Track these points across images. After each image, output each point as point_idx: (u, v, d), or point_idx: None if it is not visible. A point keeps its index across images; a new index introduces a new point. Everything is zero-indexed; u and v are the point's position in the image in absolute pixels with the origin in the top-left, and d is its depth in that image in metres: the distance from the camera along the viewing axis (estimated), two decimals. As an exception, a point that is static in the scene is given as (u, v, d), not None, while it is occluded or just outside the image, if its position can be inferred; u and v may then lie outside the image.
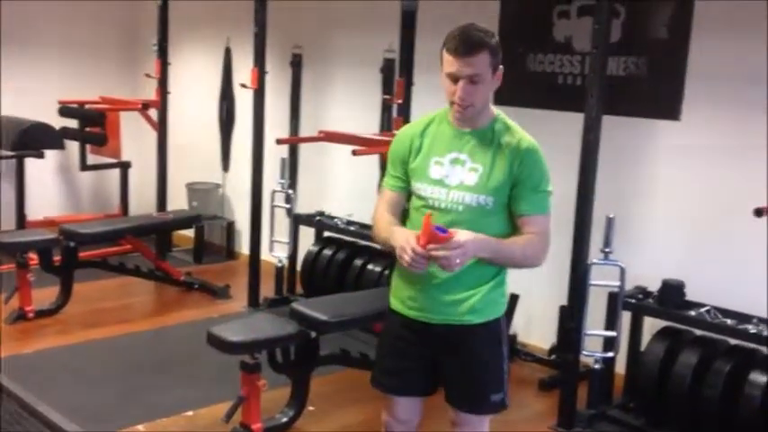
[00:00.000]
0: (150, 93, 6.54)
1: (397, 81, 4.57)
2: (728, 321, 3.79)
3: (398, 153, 2.59)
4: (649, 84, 4.31)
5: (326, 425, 3.92)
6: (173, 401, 4.07)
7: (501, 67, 2.42)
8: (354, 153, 4.21)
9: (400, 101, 4.45)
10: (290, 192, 5.43)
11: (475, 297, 2.48)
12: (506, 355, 2.60)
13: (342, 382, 4.30)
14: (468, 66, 2.34)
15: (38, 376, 4.25)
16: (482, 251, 2.35)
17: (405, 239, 2.33)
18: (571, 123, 4.13)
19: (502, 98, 4.80)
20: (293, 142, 5.58)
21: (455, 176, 2.46)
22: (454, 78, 2.37)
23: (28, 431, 3.65)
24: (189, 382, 4.30)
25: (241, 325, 3.75)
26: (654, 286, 4.10)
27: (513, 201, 2.44)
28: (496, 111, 2.52)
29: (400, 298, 2.61)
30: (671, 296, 4.01)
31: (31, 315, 5.07)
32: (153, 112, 6.52)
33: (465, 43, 2.34)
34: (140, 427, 3.82)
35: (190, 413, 3.98)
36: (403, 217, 2.61)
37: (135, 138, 6.98)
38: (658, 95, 4.29)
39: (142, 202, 7.23)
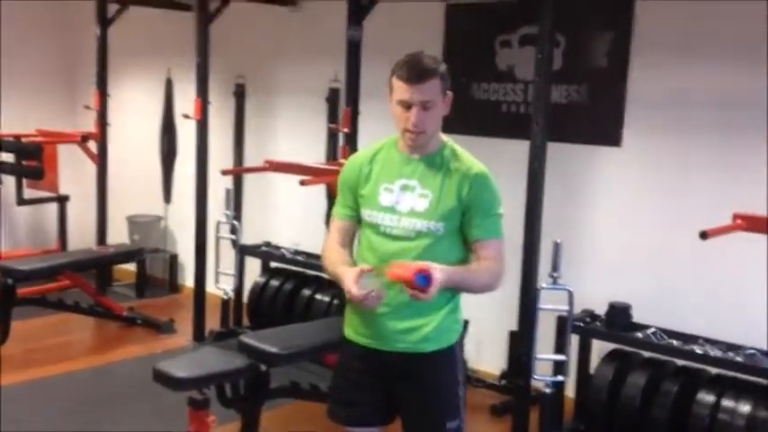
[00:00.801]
0: (90, 125, 6.42)
1: (342, 110, 4.56)
2: (674, 342, 3.84)
3: (348, 181, 2.58)
4: (591, 111, 4.40)
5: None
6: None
7: (449, 93, 2.45)
8: (302, 183, 4.18)
9: (347, 129, 4.44)
10: (236, 223, 5.37)
11: (429, 325, 2.47)
12: (462, 381, 2.59)
13: (293, 415, 4.24)
14: (421, 93, 2.35)
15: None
16: (449, 284, 2.35)
17: (350, 284, 2.32)
18: (516, 150, 4.20)
19: (447, 126, 4.89)
20: (239, 172, 5.53)
21: (405, 203, 2.46)
22: (406, 105, 2.38)
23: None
24: (134, 422, 4.19)
25: (188, 360, 3.67)
26: (601, 309, 4.14)
27: (465, 226, 2.45)
28: (445, 137, 2.53)
29: (354, 327, 2.59)
30: (618, 319, 4.05)
31: (-34, 353, 4.89)
32: (93, 145, 6.39)
33: (416, 71, 2.36)
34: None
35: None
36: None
37: (74, 171, 6.83)
38: (599, 122, 4.38)
39: (82, 237, 7.05)
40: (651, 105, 4.20)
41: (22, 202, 6.69)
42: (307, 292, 5.17)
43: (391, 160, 2.52)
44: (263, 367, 3.66)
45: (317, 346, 3.86)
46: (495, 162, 4.72)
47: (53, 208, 6.96)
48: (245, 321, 5.58)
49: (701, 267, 4.03)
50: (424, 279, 2.23)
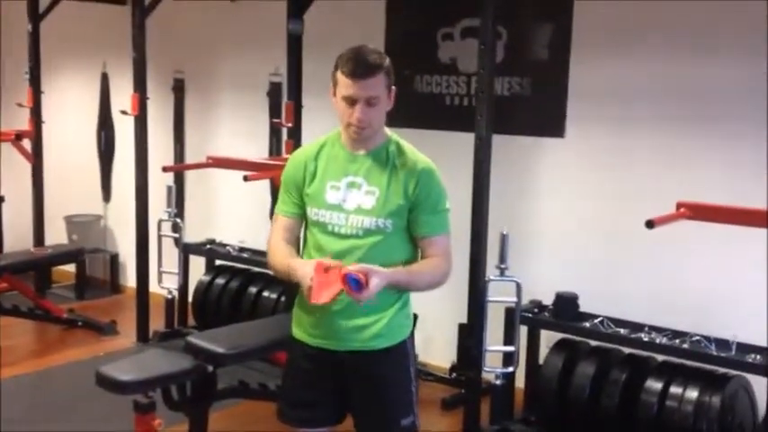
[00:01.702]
0: (24, 123, 6.22)
1: (285, 104, 4.49)
2: (622, 331, 3.87)
3: (292, 178, 2.53)
4: (533, 103, 4.41)
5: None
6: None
7: (394, 87, 2.41)
8: (246, 178, 4.11)
9: (290, 124, 4.38)
10: (178, 220, 5.26)
11: (380, 322, 2.44)
12: (414, 377, 2.56)
13: (242, 415, 4.17)
14: (366, 88, 2.32)
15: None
16: (390, 286, 2.33)
17: (305, 277, 2.28)
18: (460, 143, 4.18)
19: (391, 120, 4.85)
20: (181, 169, 5.43)
21: (352, 200, 2.42)
22: (351, 101, 2.34)
23: None
24: (77, 427, 4.07)
25: (132, 362, 3.58)
26: (549, 300, 4.16)
27: (412, 223, 2.43)
28: (389, 132, 2.50)
29: (302, 326, 2.55)
30: (565, 309, 4.07)
31: None
32: (27, 143, 6.19)
33: (361, 66, 2.31)
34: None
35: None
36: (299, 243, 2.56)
37: (9, 170, 6.61)
38: (543, 114, 4.39)
39: (20, 238, 6.83)
40: (593, 96, 4.23)
41: (-46, 203, 6.50)
42: (253, 289, 5.09)
43: (336, 157, 2.47)
44: (210, 368, 3.60)
45: (266, 344, 3.80)
46: (441, 155, 4.70)
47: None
48: (191, 321, 5.48)
49: (646, 256, 4.07)
50: (356, 283, 2.20)
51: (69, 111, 6.71)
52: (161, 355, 3.71)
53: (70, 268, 6.47)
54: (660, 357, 3.85)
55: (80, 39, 6.54)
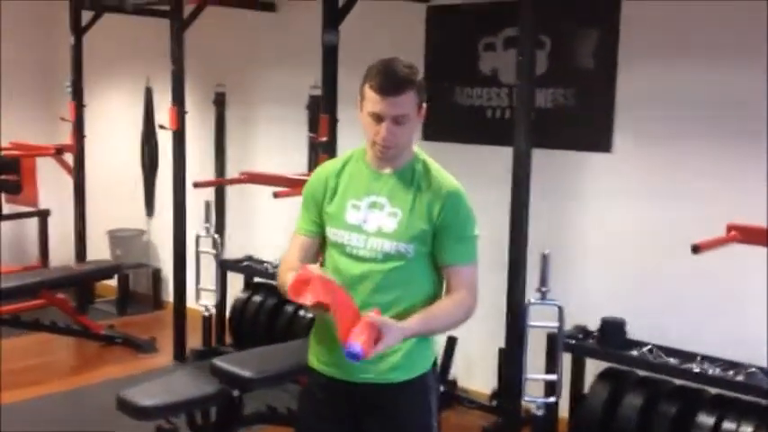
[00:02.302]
0: (66, 137, 6.23)
1: (321, 118, 4.35)
2: (671, 361, 3.63)
3: (312, 194, 2.37)
4: (579, 115, 4.19)
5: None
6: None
7: (425, 104, 2.24)
8: (276, 195, 3.98)
9: (325, 138, 4.23)
10: (216, 236, 5.16)
11: (398, 353, 2.25)
12: (435, 410, 2.37)
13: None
14: (394, 106, 2.14)
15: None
16: (407, 337, 2.16)
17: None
18: (502, 158, 3.97)
19: (429, 133, 4.70)
20: (212, 185, 5.31)
21: (373, 222, 2.25)
22: (377, 118, 2.17)
23: None
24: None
25: (155, 386, 3.47)
26: (594, 325, 3.93)
27: (436, 249, 2.25)
28: (417, 149, 2.33)
29: (317, 354, 2.39)
30: (611, 335, 3.85)
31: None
32: (70, 157, 6.19)
33: (390, 81, 2.14)
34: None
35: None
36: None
37: (55, 185, 6.62)
38: (588, 127, 4.17)
39: (65, 252, 6.85)
40: (643, 108, 4.00)
41: (0, 217, 6.52)
42: (290, 308, 4.96)
43: (360, 174, 2.31)
44: (236, 392, 3.47)
45: (295, 368, 3.63)
46: (480, 170, 4.59)
47: (35, 223, 6.77)
48: (229, 339, 5.38)
49: (699, 280, 3.81)
50: (353, 357, 1.98)
51: (112, 125, 6.70)
52: (186, 377, 3.60)
53: (114, 283, 6.44)
54: (713, 390, 3.59)
55: (123, 52, 6.53)
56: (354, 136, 4.96)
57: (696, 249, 2.81)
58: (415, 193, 2.23)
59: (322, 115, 4.32)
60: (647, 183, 4.03)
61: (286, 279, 2.16)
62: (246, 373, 3.46)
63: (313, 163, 5.12)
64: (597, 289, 4.20)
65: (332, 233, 2.30)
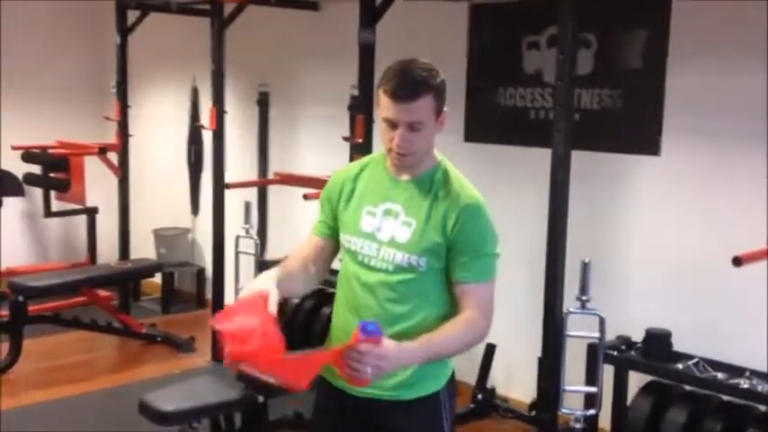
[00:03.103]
0: (111, 136, 6.25)
1: (357, 118, 4.25)
2: (719, 375, 3.44)
3: (328, 197, 2.27)
4: (625, 116, 4.01)
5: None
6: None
7: (446, 109, 2.10)
8: (306, 197, 3.90)
9: (360, 140, 4.14)
10: (255, 237, 5.11)
11: (408, 369, 2.12)
12: (448, 430, 2.24)
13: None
14: (408, 112, 2.01)
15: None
16: (408, 363, 2.02)
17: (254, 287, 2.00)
18: (545, 160, 3.81)
19: (471, 134, 4.58)
20: (245, 186, 5.24)
21: (386, 230, 2.13)
22: (392, 124, 2.05)
23: None
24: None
25: (179, 390, 3.41)
26: (638, 335, 3.76)
27: (449, 264, 2.11)
28: (440, 156, 2.20)
29: (329, 364, 2.28)
30: (656, 347, 3.67)
31: (-23, 375, 4.75)
32: (115, 157, 6.22)
33: (405, 86, 2.00)
34: None
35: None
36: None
37: (103, 183, 6.66)
38: (635, 129, 3.99)
39: (113, 250, 6.90)
40: (693, 110, 3.80)
41: (49, 214, 6.60)
42: (326, 310, 4.87)
43: (377, 180, 2.20)
44: (261, 398, 3.40)
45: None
46: (523, 173, 4.44)
47: (83, 221, 6.83)
48: (267, 341, 5.31)
49: (751, 292, 3.59)
50: (372, 331, 1.86)
51: (159, 125, 6.71)
52: (211, 382, 3.52)
53: (160, 281, 6.46)
54: (762, 407, 3.39)
55: (169, 52, 6.53)
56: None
57: (738, 262, 2.63)
58: (432, 203, 2.11)
59: (358, 116, 4.22)
60: (695, 189, 3.84)
61: (288, 262, 2.13)
62: (272, 379, 3.38)
63: (353, 164, 5.04)
64: (641, 299, 4.02)
65: (345, 240, 2.20)
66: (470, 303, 2.08)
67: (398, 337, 2.04)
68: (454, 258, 2.09)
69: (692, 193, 3.86)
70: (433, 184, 2.13)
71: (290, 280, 2.14)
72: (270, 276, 2.06)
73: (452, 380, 2.26)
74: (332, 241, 2.25)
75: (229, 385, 3.44)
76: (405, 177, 2.15)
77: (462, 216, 2.07)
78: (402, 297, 2.11)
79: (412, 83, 2.01)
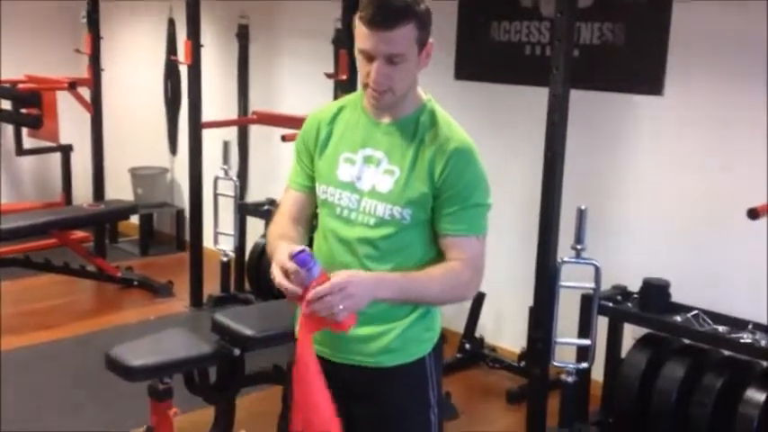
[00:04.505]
0: (83, 70, 5.96)
1: (341, 53, 3.97)
2: (720, 329, 3.26)
3: (304, 144, 2.03)
4: (627, 53, 3.76)
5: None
6: (88, 424, 3.57)
7: (431, 41, 1.86)
8: (284, 138, 3.65)
9: (344, 77, 3.87)
10: (234, 179, 4.87)
11: (390, 334, 1.93)
12: (435, 401, 2.05)
13: (273, 398, 3.77)
14: (387, 42, 1.77)
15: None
16: (380, 290, 1.81)
17: (282, 258, 1.78)
18: (541, 99, 3.57)
19: (462, 72, 4.32)
20: (221, 125, 4.96)
21: (367, 179, 1.90)
22: (369, 56, 1.81)
23: None
24: (105, 402, 3.77)
25: (148, 344, 3.19)
26: (635, 286, 3.57)
27: (435, 215, 1.89)
28: (425, 96, 1.95)
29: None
30: (654, 298, 3.48)
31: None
32: (87, 93, 5.93)
33: (383, 12, 1.76)
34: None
35: (103, 440, 3.47)
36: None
37: (79, 120, 6.38)
38: (637, 66, 3.75)
39: (90, 189, 6.65)
40: (700, 48, 3.55)
41: (21, 152, 6.34)
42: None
43: (355, 123, 1.95)
44: (237, 351, 3.21)
45: (303, 325, 3.37)
46: (516, 113, 4.20)
47: (59, 159, 6.56)
48: (248, 285, 5.13)
49: (755, 239, 3.40)
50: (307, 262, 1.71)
51: (134, 58, 6.40)
52: (183, 334, 3.31)
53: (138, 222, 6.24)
54: (765, 363, 3.22)
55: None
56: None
57: (753, 214, 2.42)
58: (417, 149, 1.87)
59: (341, 50, 3.95)
60: (699, 130, 3.62)
61: (275, 247, 1.86)
62: (248, 331, 3.19)
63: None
64: (640, 248, 3.84)
65: (321, 190, 1.97)
66: (456, 257, 1.87)
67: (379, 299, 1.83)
68: (441, 208, 1.87)
69: (696, 137, 3.63)
70: (418, 128, 1.89)
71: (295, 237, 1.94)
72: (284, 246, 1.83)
73: (439, 345, 2.06)
74: (313, 194, 2.02)
75: (203, 338, 3.24)
76: (386, 120, 1.91)
77: (451, 162, 1.84)
78: (384, 254, 1.89)
79: (391, 10, 1.76)
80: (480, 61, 4.20)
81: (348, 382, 1.96)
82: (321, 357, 1.97)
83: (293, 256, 1.73)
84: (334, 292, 1.71)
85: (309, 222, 2.08)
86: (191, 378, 3.24)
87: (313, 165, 2.01)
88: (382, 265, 1.89)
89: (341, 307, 1.71)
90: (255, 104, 5.51)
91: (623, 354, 3.60)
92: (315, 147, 1.99)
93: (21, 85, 5.89)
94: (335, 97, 4.86)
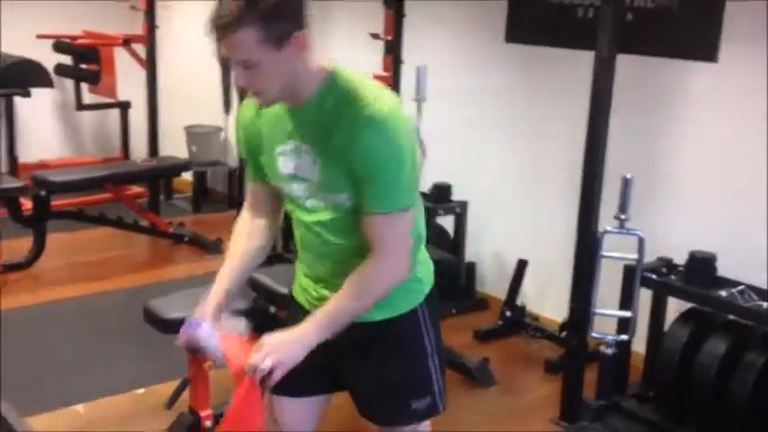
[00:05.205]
0: (137, 27, 6.01)
1: (386, 12, 3.91)
2: (765, 305, 3.16)
3: (241, 145, 2.02)
4: (681, 17, 3.62)
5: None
6: (127, 375, 3.67)
7: (303, 31, 1.73)
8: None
9: (389, 37, 3.82)
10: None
11: None
12: (433, 350, 2.04)
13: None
14: (229, 49, 1.71)
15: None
16: (306, 341, 1.83)
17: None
18: (590, 64, 3.48)
19: (514, 35, 4.23)
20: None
21: (301, 169, 1.86)
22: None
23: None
24: (150, 353, 3.84)
25: (185, 297, 3.23)
26: (680, 259, 3.48)
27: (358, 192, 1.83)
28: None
29: (299, 282, 2.12)
30: (699, 271, 3.37)
31: (-1, 268, 4.71)
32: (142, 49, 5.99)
33: (213, 21, 1.70)
34: (80, 407, 3.42)
35: (141, 391, 3.57)
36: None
37: (138, 77, 6.45)
38: (691, 30, 3.61)
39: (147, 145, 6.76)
40: (758, 10, 3.40)
41: (81, 107, 6.46)
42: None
43: (275, 115, 1.88)
44: (272, 309, 3.24)
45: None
46: (565, 77, 4.10)
47: (118, 115, 6.67)
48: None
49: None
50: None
51: (187, 15, 6.42)
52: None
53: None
54: (811, 343, 3.12)
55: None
56: (426, 33, 4.54)
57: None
58: (331, 132, 1.78)
59: (387, 10, 3.89)
60: (754, 101, 3.47)
61: (235, 242, 2.01)
62: (284, 289, 3.21)
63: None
64: (686, 220, 3.73)
65: (276, 187, 1.97)
66: (373, 239, 1.83)
67: (341, 265, 1.90)
68: (359, 186, 1.80)
69: (751, 106, 3.49)
70: (325, 109, 1.79)
71: (242, 271, 2.07)
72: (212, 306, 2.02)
73: (432, 294, 2.05)
74: (269, 183, 2.00)
75: (240, 294, 3.27)
76: (298, 106, 1.83)
77: (362, 137, 1.74)
78: (340, 234, 1.90)
79: (222, 19, 1.68)
80: (532, 24, 4.11)
81: (341, 340, 1.92)
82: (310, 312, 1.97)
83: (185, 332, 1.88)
84: (264, 372, 1.77)
85: (275, 210, 2.07)
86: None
87: (256, 158, 1.98)
88: (344, 241, 1.90)
89: (278, 373, 1.77)
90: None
91: (666, 327, 3.53)
92: (252, 145, 1.97)
93: (79, 41, 5.97)
94: (384, 61, 4.82)
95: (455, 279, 4.48)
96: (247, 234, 2.06)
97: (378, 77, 3.87)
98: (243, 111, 1.99)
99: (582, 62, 3.77)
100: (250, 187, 2.06)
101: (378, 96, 1.77)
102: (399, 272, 1.86)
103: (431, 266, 2.06)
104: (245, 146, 2.00)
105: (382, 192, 1.78)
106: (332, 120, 1.77)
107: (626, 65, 3.22)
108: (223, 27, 1.68)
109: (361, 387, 2.06)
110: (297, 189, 1.89)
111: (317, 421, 2.19)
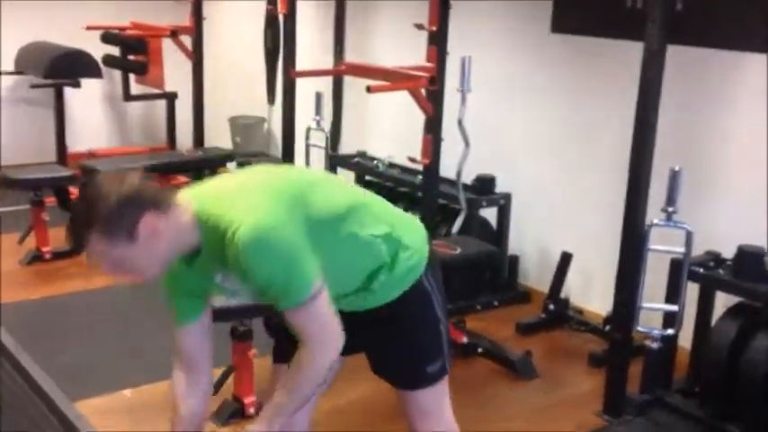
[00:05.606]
0: (184, 18, 6.07)
1: (431, 2, 3.88)
2: (817, 302, 3.10)
3: (173, 286, 2.07)
4: (733, 7, 3.55)
5: (334, 400, 3.41)
6: (167, 364, 3.69)
7: (144, 219, 1.78)
8: (369, 90, 3.63)
9: (434, 27, 3.80)
10: (325, 130, 4.89)
11: (375, 294, 2.09)
12: (443, 314, 2.17)
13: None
14: (90, 257, 1.83)
15: (39, 326, 3.97)
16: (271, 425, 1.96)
17: None
18: (640, 55, 3.43)
19: (560, 25, 4.19)
20: (311, 75, 4.94)
21: (230, 283, 2.00)
22: None
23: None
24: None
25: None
26: (729, 252, 3.42)
27: None
28: (194, 210, 1.88)
29: None
30: (748, 266, 3.32)
31: (47, 256, 4.80)
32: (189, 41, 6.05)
33: (71, 239, 1.87)
34: (127, 392, 3.47)
35: (187, 377, 3.59)
36: None
37: (185, 69, 6.52)
38: (743, 21, 3.54)
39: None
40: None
41: (129, 98, 6.55)
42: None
43: (179, 271, 1.97)
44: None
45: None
46: (614, 69, 4.05)
47: (165, 106, 6.74)
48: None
49: None
50: None
51: (234, 6, 6.47)
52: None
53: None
54: None
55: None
56: (471, 24, 4.51)
57: None
58: (223, 264, 1.87)
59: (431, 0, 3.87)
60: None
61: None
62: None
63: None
64: (735, 214, 3.67)
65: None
66: (295, 329, 1.92)
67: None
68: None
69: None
70: (210, 251, 1.89)
71: (194, 411, 2.19)
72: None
73: (430, 258, 2.13)
74: (199, 324, 2.09)
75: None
76: (194, 254, 1.93)
77: (241, 264, 1.81)
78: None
79: (75, 237, 1.84)
80: (578, 14, 4.06)
81: (353, 321, 2.01)
82: None
83: None
84: None
85: (207, 358, 2.16)
86: (269, 322, 3.31)
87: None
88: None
89: None
90: (352, 56, 5.51)
91: (713, 322, 3.48)
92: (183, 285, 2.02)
93: (127, 32, 6.05)
94: (428, 51, 4.80)
95: (498, 272, 4.46)
96: (187, 381, 2.18)
97: (421, 69, 3.86)
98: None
99: (630, 53, 3.73)
100: (179, 333, 2.10)
101: (237, 219, 1.81)
102: (328, 353, 1.93)
103: (418, 235, 2.13)
104: (174, 288, 2.04)
105: (280, 294, 1.85)
106: (219, 256, 1.84)
107: (675, 55, 3.17)
108: (79, 244, 1.80)
109: (379, 355, 2.20)
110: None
111: (329, 385, 2.24)
